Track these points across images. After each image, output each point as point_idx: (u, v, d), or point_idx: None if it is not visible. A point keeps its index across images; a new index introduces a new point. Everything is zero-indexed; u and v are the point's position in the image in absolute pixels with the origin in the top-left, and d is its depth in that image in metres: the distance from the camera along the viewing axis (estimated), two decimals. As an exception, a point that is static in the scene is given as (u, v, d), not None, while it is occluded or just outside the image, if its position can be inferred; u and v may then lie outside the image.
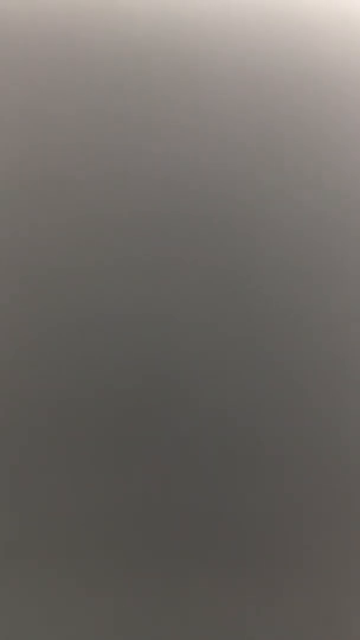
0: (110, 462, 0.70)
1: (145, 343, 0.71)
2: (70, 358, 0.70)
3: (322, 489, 0.72)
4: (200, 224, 0.72)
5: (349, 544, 0.72)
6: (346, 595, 0.72)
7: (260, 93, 0.74)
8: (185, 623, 0.70)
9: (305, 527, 0.72)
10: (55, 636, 0.69)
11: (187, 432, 0.70)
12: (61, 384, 0.70)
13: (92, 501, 0.70)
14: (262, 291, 0.72)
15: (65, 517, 0.69)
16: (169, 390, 0.70)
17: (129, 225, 0.71)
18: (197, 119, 0.73)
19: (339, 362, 0.73)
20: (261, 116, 0.74)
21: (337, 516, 0.72)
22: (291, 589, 0.72)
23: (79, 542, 0.69)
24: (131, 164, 0.72)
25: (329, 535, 0.72)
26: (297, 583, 0.72)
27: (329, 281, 0.73)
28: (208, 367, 0.71)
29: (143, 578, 0.70)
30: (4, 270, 0.70)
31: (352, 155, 0.74)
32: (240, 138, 0.73)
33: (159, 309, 0.71)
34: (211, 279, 0.72)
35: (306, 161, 0.74)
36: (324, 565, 0.72)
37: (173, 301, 0.71)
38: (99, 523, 0.70)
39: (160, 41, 0.73)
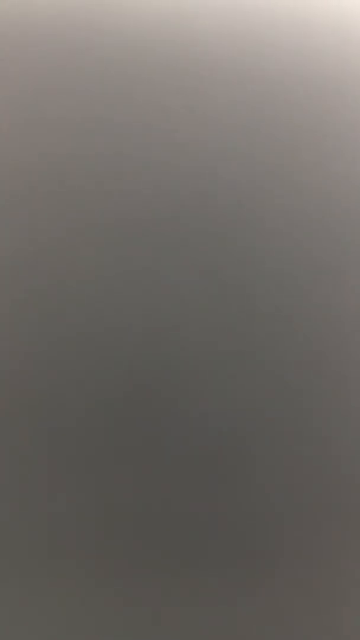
0: (110, 469, 0.70)
1: (144, 349, 0.71)
2: (70, 366, 0.70)
3: (322, 492, 0.72)
4: (199, 230, 0.72)
5: (350, 544, 0.73)
6: (347, 596, 0.73)
7: (260, 94, 0.74)
8: (184, 623, 0.71)
9: (305, 527, 0.72)
10: (55, 636, 0.70)
11: (186, 438, 0.71)
12: (60, 392, 0.70)
13: (92, 503, 0.70)
14: (263, 299, 0.72)
15: (64, 519, 0.70)
16: (168, 398, 0.71)
17: (129, 232, 0.71)
18: (196, 121, 0.73)
19: (339, 369, 0.73)
20: (261, 119, 0.73)
21: (337, 517, 0.72)
22: (291, 589, 0.72)
23: (77, 544, 0.70)
24: (130, 167, 0.72)
25: (329, 535, 0.72)
26: (297, 584, 0.72)
27: (330, 290, 0.73)
28: (207, 376, 0.71)
29: (142, 579, 0.70)
30: (4, 277, 0.70)
31: (353, 158, 0.74)
32: (240, 142, 0.73)
33: (159, 317, 0.71)
34: (211, 287, 0.72)
35: (307, 165, 0.74)
36: (323, 564, 0.72)
37: (172, 310, 0.71)
38: (98, 525, 0.70)
39: (160, 42, 0.73)
